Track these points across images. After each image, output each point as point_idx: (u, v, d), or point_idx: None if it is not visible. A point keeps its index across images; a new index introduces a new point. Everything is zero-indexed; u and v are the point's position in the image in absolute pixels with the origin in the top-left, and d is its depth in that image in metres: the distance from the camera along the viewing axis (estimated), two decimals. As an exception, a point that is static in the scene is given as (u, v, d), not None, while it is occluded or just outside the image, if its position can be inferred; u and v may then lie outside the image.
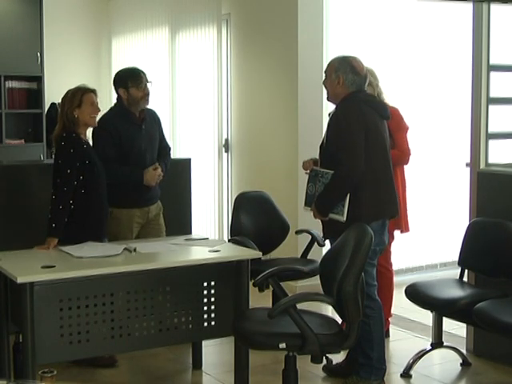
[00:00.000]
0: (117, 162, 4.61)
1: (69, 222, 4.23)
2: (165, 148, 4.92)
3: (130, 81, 4.65)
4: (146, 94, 4.68)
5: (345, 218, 3.87)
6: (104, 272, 3.69)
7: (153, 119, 4.84)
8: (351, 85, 3.99)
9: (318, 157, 4.20)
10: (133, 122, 4.69)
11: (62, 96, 4.39)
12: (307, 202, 4.10)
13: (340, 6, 6.24)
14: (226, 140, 6.97)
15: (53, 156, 7.91)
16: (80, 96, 4.30)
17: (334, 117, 4.00)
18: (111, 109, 4.78)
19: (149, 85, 4.72)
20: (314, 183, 4.04)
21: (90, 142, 4.55)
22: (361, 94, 4.03)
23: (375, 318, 4.04)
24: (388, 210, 4.07)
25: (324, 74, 4.13)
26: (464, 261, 4.58)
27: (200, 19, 6.99)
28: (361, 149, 3.86)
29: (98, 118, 4.49)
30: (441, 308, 4.36)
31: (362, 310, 3.65)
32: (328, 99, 4.17)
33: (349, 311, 3.33)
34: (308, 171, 4.15)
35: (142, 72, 4.73)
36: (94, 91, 4.37)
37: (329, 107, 6.07)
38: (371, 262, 4.02)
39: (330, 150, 3.97)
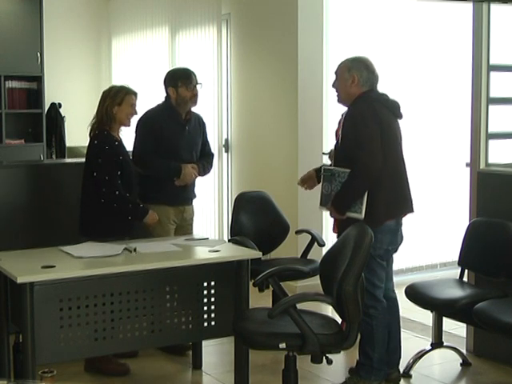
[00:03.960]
0: (158, 157, 4.69)
1: (98, 215, 4.35)
2: (207, 153, 4.98)
3: (181, 80, 4.74)
4: (195, 95, 4.76)
5: (363, 216, 3.87)
6: (104, 272, 3.69)
7: (198, 123, 4.91)
8: (365, 83, 4.00)
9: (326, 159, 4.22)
10: (177, 121, 4.76)
11: (104, 91, 4.48)
12: (323, 201, 4.10)
13: (340, 5, 6.24)
14: (226, 140, 6.97)
15: (48, 154, 7.95)
16: (123, 95, 4.41)
17: (348, 116, 3.98)
18: (158, 105, 4.83)
19: (198, 86, 4.79)
20: (329, 182, 4.03)
21: (124, 139, 4.60)
22: (373, 94, 4.03)
23: (378, 319, 4.03)
24: (403, 207, 4.07)
25: (335, 75, 4.11)
26: (464, 261, 4.58)
27: (200, 19, 6.99)
28: (378, 146, 3.86)
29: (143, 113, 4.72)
30: (441, 308, 4.36)
31: (366, 310, 3.65)
32: (339, 101, 4.15)
33: (349, 311, 3.33)
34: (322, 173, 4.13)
35: (194, 73, 4.83)
36: (135, 94, 4.48)
37: (329, 107, 6.10)
38: (381, 262, 4.02)
39: (346, 149, 3.96)
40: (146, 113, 4.80)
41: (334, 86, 4.13)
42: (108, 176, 4.32)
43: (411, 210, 4.14)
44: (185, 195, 4.84)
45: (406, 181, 4.09)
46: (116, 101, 4.39)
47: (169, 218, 4.76)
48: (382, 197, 3.92)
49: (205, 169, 4.91)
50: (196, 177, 4.80)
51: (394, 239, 4.06)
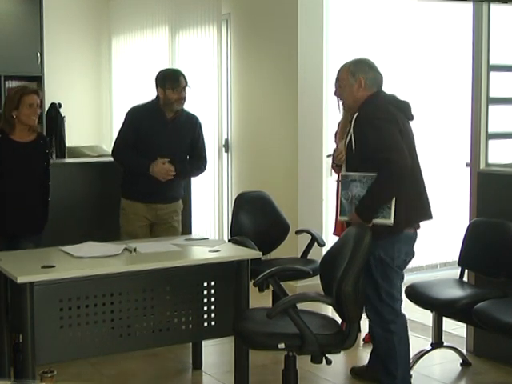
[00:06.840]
0: (134, 151, 4.75)
1: None
2: (197, 156, 4.91)
3: (169, 82, 4.73)
4: (181, 98, 4.74)
5: (392, 221, 3.64)
6: (104, 272, 3.69)
7: (189, 124, 4.87)
8: (372, 85, 3.77)
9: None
10: (160, 119, 4.77)
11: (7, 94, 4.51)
12: (343, 210, 3.81)
13: (340, 6, 6.25)
14: (226, 140, 6.97)
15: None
16: (19, 97, 4.37)
17: (361, 118, 3.71)
18: (148, 101, 4.87)
19: (187, 89, 4.77)
20: (349, 190, 3.76)
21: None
22: (383, 95, 3.83)
23: (399, 335, 3.84)
24: (421, 214, 3.88)
25: (336, 85, 3.87)
26: (464, 261, 4.58)
27: (200, 19, 6.99)
28: (402, 143, 3.65)
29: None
30: (441, 308, 4.36)
31: (386, 326, 3.59)
32: (345, 109, 4.01)
33: (348, 311, 3.33)
34: (340, 180, 3.90)
35: (183, 76, 4.80)
36: (34, 91, 4.44)
37: (329, 107, 6.10)
38: (400, 272, 3.86)
39: (365, 153, 3.68)
40: (134, 106, 4.88)
41: (336, 94, 3.89)
42: None
43: (430, 217, 3.95)
44: (160, 193, 4.78)
45: (423, 186, 3.89)
46: (13, 105, 4.37)
47: (138, 215, 4.77)
48: (403, 202, 3.68)
49: (187, 171, 4.86)
50: (172, 176, 4.71)
51: (411, 249, 3.88)
